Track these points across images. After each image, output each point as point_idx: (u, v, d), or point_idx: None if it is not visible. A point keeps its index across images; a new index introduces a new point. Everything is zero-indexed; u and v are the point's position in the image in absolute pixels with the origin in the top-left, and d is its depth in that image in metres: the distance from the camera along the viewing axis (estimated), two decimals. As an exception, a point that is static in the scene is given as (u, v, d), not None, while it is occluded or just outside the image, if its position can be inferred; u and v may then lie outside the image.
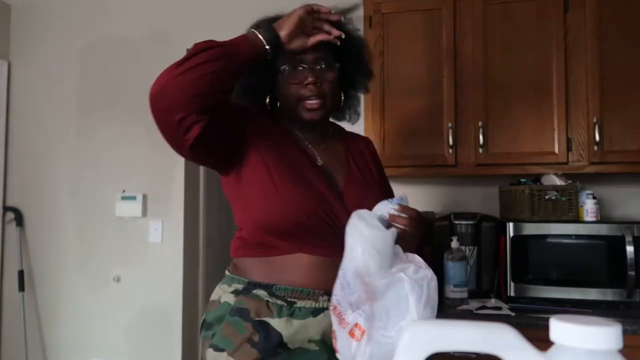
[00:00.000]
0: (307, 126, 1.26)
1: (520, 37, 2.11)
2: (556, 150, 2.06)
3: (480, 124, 2.10)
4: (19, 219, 2.87)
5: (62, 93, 2.89)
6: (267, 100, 1.28)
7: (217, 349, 1.13)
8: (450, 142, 2.12)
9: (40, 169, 2.89)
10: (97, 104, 2.84)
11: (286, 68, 1.22)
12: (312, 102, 1.20)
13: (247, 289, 1.16)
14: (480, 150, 2.10)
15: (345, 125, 1.41)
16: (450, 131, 2.13)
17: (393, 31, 2.21)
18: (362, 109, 1.43)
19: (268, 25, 1.13)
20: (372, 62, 1.39)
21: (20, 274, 2.81)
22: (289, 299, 1.13)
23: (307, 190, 1.14)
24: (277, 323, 1.11)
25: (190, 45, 1.18)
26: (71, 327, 2.79)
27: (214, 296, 1.23)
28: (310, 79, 1.19)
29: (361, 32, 1.37)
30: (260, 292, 1.14)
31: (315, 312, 1.14)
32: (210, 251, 2.89)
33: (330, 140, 1.32)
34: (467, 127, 2.13)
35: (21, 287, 2.80)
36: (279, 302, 1.13)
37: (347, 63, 1.28)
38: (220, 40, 1.08)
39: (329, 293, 1.08)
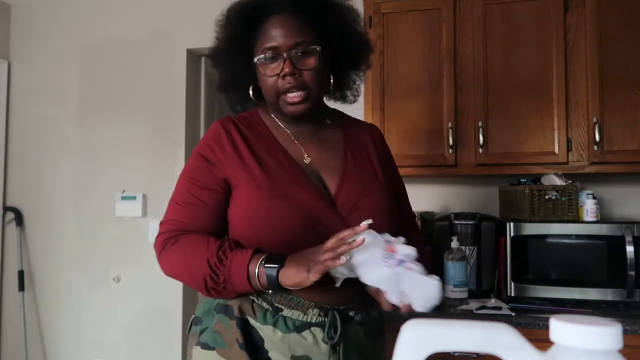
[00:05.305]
0: (295, 120, 1.15)
1: (520, 37, 2.11)
2: (556, 150, 2.06)
3: (480, 124, 2.10)
4: (19, 219, 2.87)
5: (62, 93, 2.89)
6: (251, 92, 1.17)
7: (207, 347, 1.05)
8: (450, 142, 2.12)
9: (40, 169, 2.89)
10: (97, 104, 2.84)
11: (261, 60, 1.10)
12: (293, 95, 1.09)
13: None
14: (480, 150, 2.10)
15: (350, 111, 1.30)
16: (450, 131, 2.13)
17: (393, 31, 2.21)
18: (363, 87, 1.26)
19: (275, 280, 0.96)
20: (367, 33, 1.24)
21: (20, 274, 2.81)
22: (276, 304, 1.03)
23: (292, 209, 1.03)
24: (260, 328, 1.03)
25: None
26: (71, 327, 2.79)
27: None
28: (287, 70, 1.07)
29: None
30: None
31: (301, 327, 1.02)
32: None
33: (327, 130, 1.20)
34: (467, 127, 2.13)
35: (21, 287, 2.80)
36: (264, 305, 1.03)
37: (337, 39, 1.14)
38: (222, 264, 1.00)
39: (320, 307, 1.02)
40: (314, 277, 0.92)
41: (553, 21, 2.08)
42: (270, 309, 1.03)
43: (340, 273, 0.97)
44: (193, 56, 2.78)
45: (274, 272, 0.96)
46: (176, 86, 2.72)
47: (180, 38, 2.72)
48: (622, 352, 0.39)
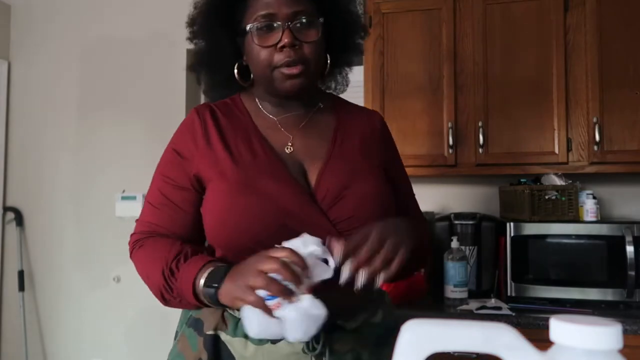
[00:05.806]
0: (286, 102, 1.01)
1: (520, 37, 2.11)
2: (556, 150, 2.06)
3: (480, 124, 2.10)
4: (19, 219, 2.87)
5: (62, 93, 2.89)
6: (236, 70, 1.02)
7: None
8: (450, 142, 2.12)
9: (40, 168, 2.89)
10: (97, 104, 2.84)
11: (254, 28, 0.95)
12: (291, 68, 0.94)
13: None
14: (480, 150, 2.10)
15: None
16: (450, 131, 2.13)
17: (393, 31, 2.21)
18: (360, 76, 1.10)
19: (216, 300, 0.84)
20: (363, 14, 1.12)
21: (20, 274, 2.81)
22: None
23: (263, 204, 0.90)
24: (231, 341, 0.91)
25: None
26: (71, 327, 2.79)
27: None
28: (286, 40, 0.92)
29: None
30: None
31: None
32: (210, 251, 2.89)
33: (318, 115, 1.05)
34: (467, 127, 2.13)
35: (21, 287, 2.80)
36: (236, 313, 0.90)
37: (333, 18, 1.01)
38: (174, 277, 0.91)
39: None
40: (243, 300, 0.78)
41: (553, 21, 2.08)
42: None
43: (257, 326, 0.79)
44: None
45: (212, 291, 0.83)
46: (176, 86, 2.72)
47: (180, 38, 2.69)
48: (622, 352, 0.39)
